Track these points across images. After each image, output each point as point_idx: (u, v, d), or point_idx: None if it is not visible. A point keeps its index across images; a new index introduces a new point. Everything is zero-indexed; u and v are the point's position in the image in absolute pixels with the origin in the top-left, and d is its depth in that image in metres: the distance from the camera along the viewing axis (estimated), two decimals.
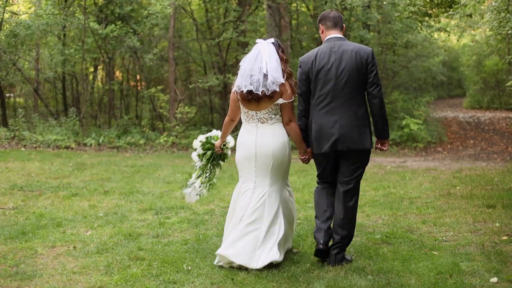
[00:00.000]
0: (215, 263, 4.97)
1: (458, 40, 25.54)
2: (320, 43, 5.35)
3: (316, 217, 5.13)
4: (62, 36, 15.83)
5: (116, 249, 5.40)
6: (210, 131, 13.76)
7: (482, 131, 19.46)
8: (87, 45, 15.40)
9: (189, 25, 17.11)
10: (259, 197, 4.98)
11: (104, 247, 5.45)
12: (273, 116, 5.06)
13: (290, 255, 5.20)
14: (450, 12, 15.14)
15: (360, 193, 8.10)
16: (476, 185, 8.42)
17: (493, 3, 25.35)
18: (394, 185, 8.74)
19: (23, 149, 13.02)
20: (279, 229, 4.96)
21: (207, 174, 5.58)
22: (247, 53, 13.29)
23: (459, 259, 4.98)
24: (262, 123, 5.07)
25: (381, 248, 5.44)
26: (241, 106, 5.11)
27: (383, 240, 5.72)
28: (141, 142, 13.54)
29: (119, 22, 14.46)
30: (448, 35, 20.27)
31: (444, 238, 5.79)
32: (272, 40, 5.18)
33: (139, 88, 16.67)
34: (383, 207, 7.23)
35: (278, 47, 5.15)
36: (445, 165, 11.10)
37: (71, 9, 15.31)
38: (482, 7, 26.40)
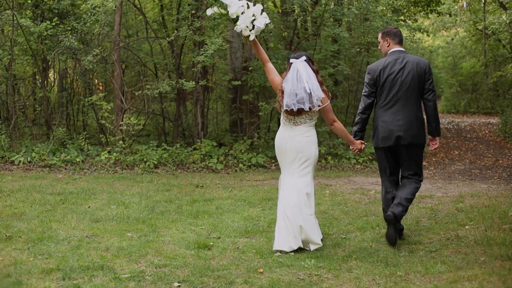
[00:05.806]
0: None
1: (453, 39, 24.13)
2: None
3: (382, 197, 6.10)
4: None
5: None
6: (161, 145, 11.16)
7: (465, 140, 17.98)
8: (22, 46, 13.21)
9: (143, 25, 15.03)
10: (291, 192, 5.69)
11: None
12: (308, 120, 5.79)
13: None
14: (438, 8, 13.53)
15: (343, 236, 6.30)
16: (490, 223, 6.61)
17: (465, 4, 23.73)
18: (384, 223, 6.88)
19: None
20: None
21: None
22: (203, 54, 11.32)
23: None
24: (296, 125, 5.79)
25: None
26: (283, 112, 5.84)
27: None
28: (78, 159, 11.30)
29: (56, 19, 12.30)
30: (427, 35, 18.68)
31: None
32: (304, 57, 5.79)
33: (81, 95, 14.48)
34: (376, 261, 5.38)
35: (309, 60, 5.81)
36: (439, 189, 9.30)
37: (3, 5, 13.12)
38: (456, 7, 24.90)
